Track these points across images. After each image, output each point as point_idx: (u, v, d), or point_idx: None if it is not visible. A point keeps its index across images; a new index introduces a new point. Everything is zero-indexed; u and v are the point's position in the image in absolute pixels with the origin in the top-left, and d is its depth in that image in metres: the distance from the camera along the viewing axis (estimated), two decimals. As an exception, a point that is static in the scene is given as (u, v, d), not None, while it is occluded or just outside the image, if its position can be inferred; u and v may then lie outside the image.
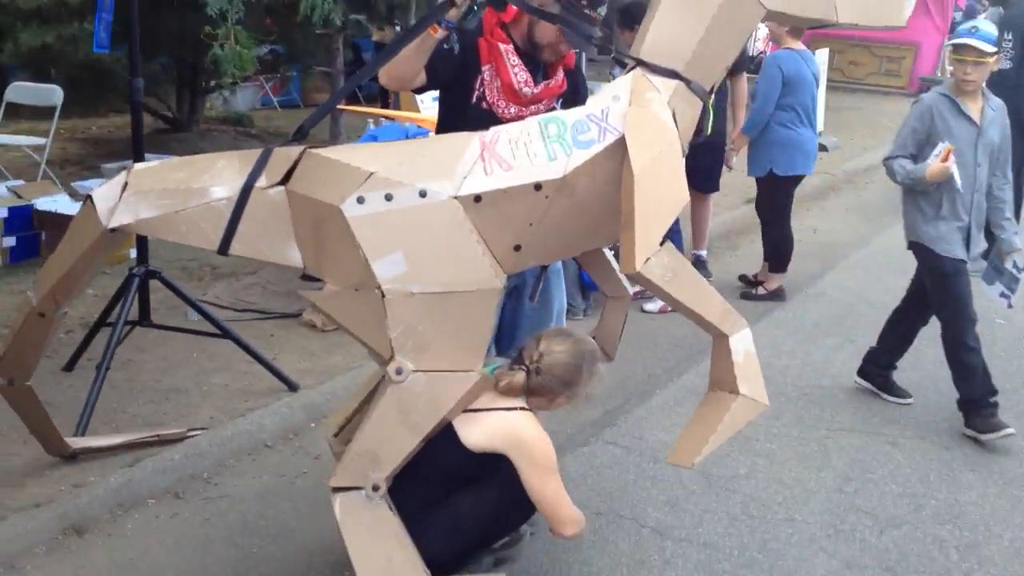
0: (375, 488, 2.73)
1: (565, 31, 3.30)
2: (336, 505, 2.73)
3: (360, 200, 2.73)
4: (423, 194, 2.76)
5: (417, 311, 2.72)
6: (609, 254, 3.47)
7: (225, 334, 4.39)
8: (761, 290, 6.19)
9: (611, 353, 3.48)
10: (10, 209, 6.00)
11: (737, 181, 6.80)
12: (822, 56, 11.48)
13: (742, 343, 2.93)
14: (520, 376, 3.01)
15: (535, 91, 3.47)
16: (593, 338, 3.48)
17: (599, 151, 2.84)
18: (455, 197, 2.77)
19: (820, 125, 11.30)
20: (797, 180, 6.12)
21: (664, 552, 3.36)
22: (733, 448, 4.10)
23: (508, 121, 3.37)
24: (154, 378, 4.48)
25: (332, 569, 3.16)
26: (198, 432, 3.93)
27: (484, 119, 3.34)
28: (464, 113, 3.46)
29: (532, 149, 2.84)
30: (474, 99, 3.46)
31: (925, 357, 5.14)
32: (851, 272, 6.78)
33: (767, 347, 5.30)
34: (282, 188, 2.86)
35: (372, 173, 2.77)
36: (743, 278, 6.39)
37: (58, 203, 6.30)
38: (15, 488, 3.51)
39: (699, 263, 6.56)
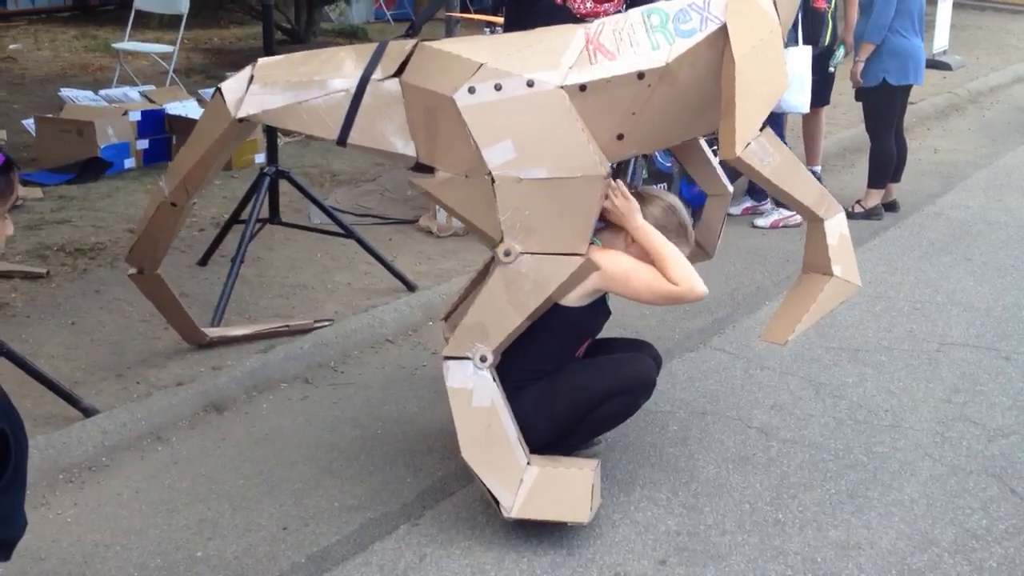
0: (483, 359, 2.88)
1: None
2: (445, 372, 2.91)
3: (471, 90, 2.84)
4: (530, 84, 2.84)
5: (525, 196, 2.83)
6: (709, 152, 3.50)
7: (349, 234, 4.57)
8: (858, 207, 6.05)
9: (711, 251, 3.54)
10: (143, 113, 6.29)
11: (850, 99, 6.68)
12: (951, -30, 11.04)
13: (837, 227, 3.03)
14: None
15: None
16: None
17: (701, 40, 2.88)
18: (561, 87, 2.84)
19: (944, 43, 10.95)
20: (908, 90, 6.03)
21: (769, 451, 3.45)
22: (841, 358, 4.15)
23: (583, 17, 3.40)
24: (282, 274, 4.72)
25: (452, 451, 3.32)
26: (325, 324, 4.15)
27: (557, 14, 3.36)
28: (535, 9, 3.45)
29: (635, 39, 2.89)
30: None
31: (1044, 277, 5.08)
32: (971, 192, 6.64)
33: (881, 263, 5.28)
34: (396, 80, 2.99)
35: (482, 64, 2.86)
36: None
37: (187, 108, 6.56)
38: (159, 368, 3.78)
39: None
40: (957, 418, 3.68)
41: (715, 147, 3.09)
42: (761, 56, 2.79)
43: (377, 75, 2.99)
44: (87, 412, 3.38)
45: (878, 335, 4.38)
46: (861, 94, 6.08)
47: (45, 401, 3.39)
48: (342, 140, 3.01)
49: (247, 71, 3.13)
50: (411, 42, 3.04)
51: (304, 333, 4.07)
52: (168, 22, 8.76)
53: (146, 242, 3.54)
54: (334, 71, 3.03)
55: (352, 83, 2.99)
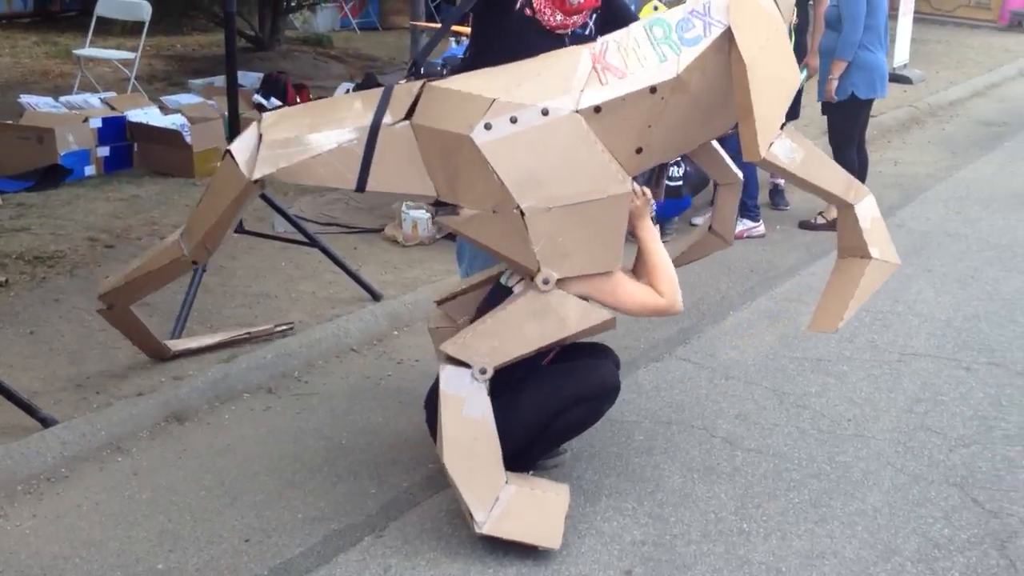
0: (482, 372, 2.88)
1: None
2: (442, 374, 2.90)
3: (488, 127, 2.83)
4: (545, 112, 2.85)
5: (556, 223, 2.84)
6: (715, 142, 3.49)
7: (313, 243, 4.54)
8: (820, 219, 6.11)
9: (728, 238, 3.56)
10: (104, 120, 6.22)
11: (816, 112, 6.75)
12: (911, -15, 11.18)
13: (868, 210, 3.08)
14: None
15: (580, 0, 3.49)
16: (710, 228, 3.56)
17: (707, 46, 2.89)
18: (576, 111, 2.85)
19: (905, 57, 11.09)
20: (872, 103, 6.14)
21: (734, 460, 3.46)
22: (804, 368, 4.17)
23: (552, 29, 3.40)
24: (245, 283, 4.67)
25: (417, 462, 3.32)
26: (285, 328, 4.12)
27: (527, 27, 3.36)
28: (504, 21, 3.44)
29: (642, 54, 2.90)
30: (518, 6, 3.43)
31: (1004, 286, 5.14)
32: (931, 204, 6.72)
33: (842, 274, 5.32)
34: (407, 123, 2.95)
35: (495, 99, 2.85)
36: (805, 224, 6.24)
37: (148, 115, 6.51)
38: (119, 378, 3.73)
39: (776, 192, 6.56)
40: (918, 428, 3.72)
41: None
42: (770, 55, 2.83)
43: (387, 120, 2.96)
44: (45, 422, 3.33)
45: (840, 345, 4.41)
46: (828, 108, 6.15)
47: (3, 411, 3.33)
48: (360, 188, 2.97)
49: (253, 129, 3.04)
50: (417, 84, 3.00)
51: (266, 338, 4.03)
52: (130, 29, 8.68)
53: (136, 287, 3.48)
54: (343, 121, 2.98)
55: (363, 131, 2.95)
